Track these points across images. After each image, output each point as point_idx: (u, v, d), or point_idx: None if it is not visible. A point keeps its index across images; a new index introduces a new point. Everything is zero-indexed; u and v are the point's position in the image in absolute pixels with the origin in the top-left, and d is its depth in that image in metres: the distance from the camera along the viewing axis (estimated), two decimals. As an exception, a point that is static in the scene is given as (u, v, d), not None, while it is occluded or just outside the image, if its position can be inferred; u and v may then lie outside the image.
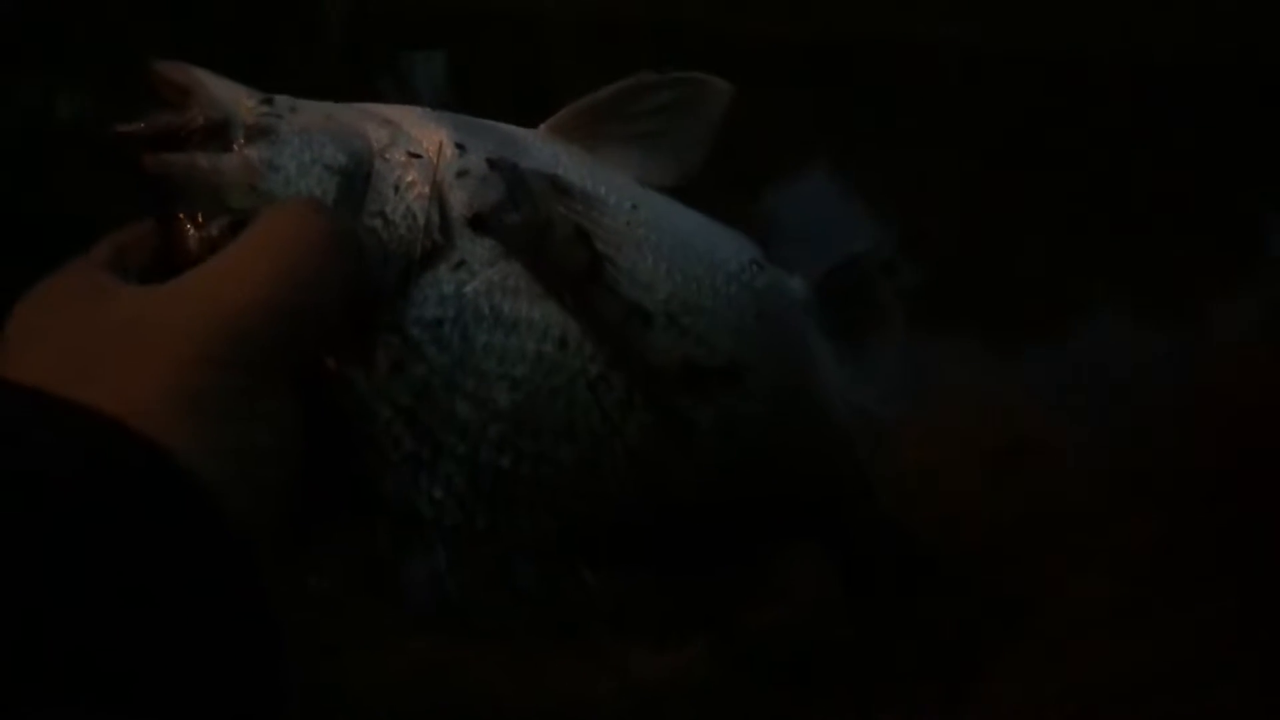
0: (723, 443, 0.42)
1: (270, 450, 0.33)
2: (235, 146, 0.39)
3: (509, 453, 0.38)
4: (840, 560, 0.52)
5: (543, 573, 0.39)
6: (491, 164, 0.40)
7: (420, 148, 0.40)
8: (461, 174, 0.40)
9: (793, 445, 0.45)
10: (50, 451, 0.28)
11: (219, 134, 0.39)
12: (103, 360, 0.32)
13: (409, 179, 0.39)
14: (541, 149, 0.43)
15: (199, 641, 0.29)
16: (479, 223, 0.39)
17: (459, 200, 0.39)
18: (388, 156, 0.40)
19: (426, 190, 0.39)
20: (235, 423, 0.32)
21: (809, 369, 0.47)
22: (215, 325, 0.32)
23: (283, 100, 0.41)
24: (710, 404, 0.41)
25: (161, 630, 0.28)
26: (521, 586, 0.39)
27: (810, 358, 0.47)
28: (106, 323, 0.33)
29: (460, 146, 0.41)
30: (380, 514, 0.38)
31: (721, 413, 0.42)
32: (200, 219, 0.38)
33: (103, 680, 0.26)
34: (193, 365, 0.32)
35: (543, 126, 0.45)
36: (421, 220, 0.39)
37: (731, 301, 0.43)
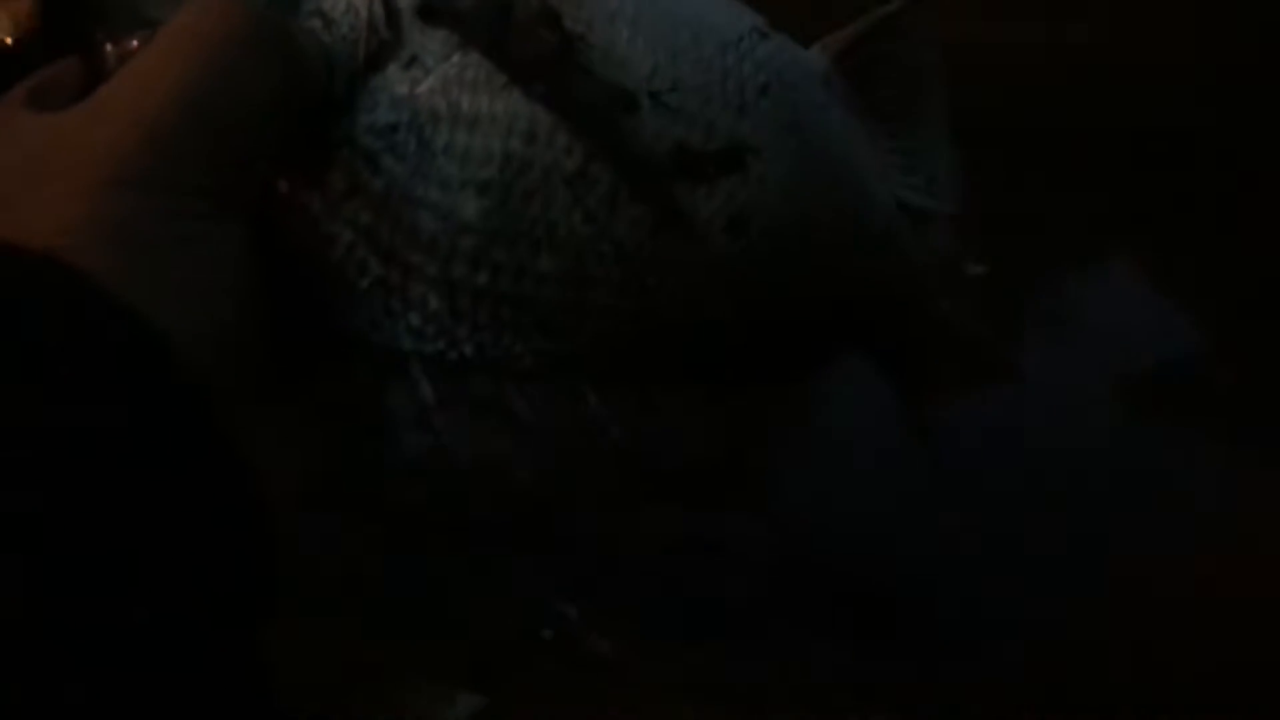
0: (732, 237, 0.37)
1: (212, 280, 0.30)
2: None
3: (485, 267, 0.34)
4: (897, 371, 0.47)
5: (540, 397, 0.35)
6: None
7: None
8: None
9: (821, 239, 0.40)
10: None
11: None
12: (16, 193, 0.29)
13: None
14: None
15: (158, 497, 0.26)
16: (429, 11, 0.35)
17: None
18: None
19: None
20: (164, 250, 0.29)
21: (834, 152, 0.41)
22: (128, 142, 0.29)
23: None
24: (712, 192, 0.37)
25: (114, 492, 0.25)
26: (517, 414, 0.35)
27: (834, 138, 0.41)
28: (19, 154, 0.30)
29: None
30: (355, 349, 0.35)
31: (727, 202, 0.37)
32: (118, 35, 0.34)
33: (58, 555, 0.23)
34: (109, 188, 0.28)
35: None
36: (365, 15, 0.34)
37: (728, 74, 0.38)
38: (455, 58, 0.34)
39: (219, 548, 0.27)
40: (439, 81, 0.34)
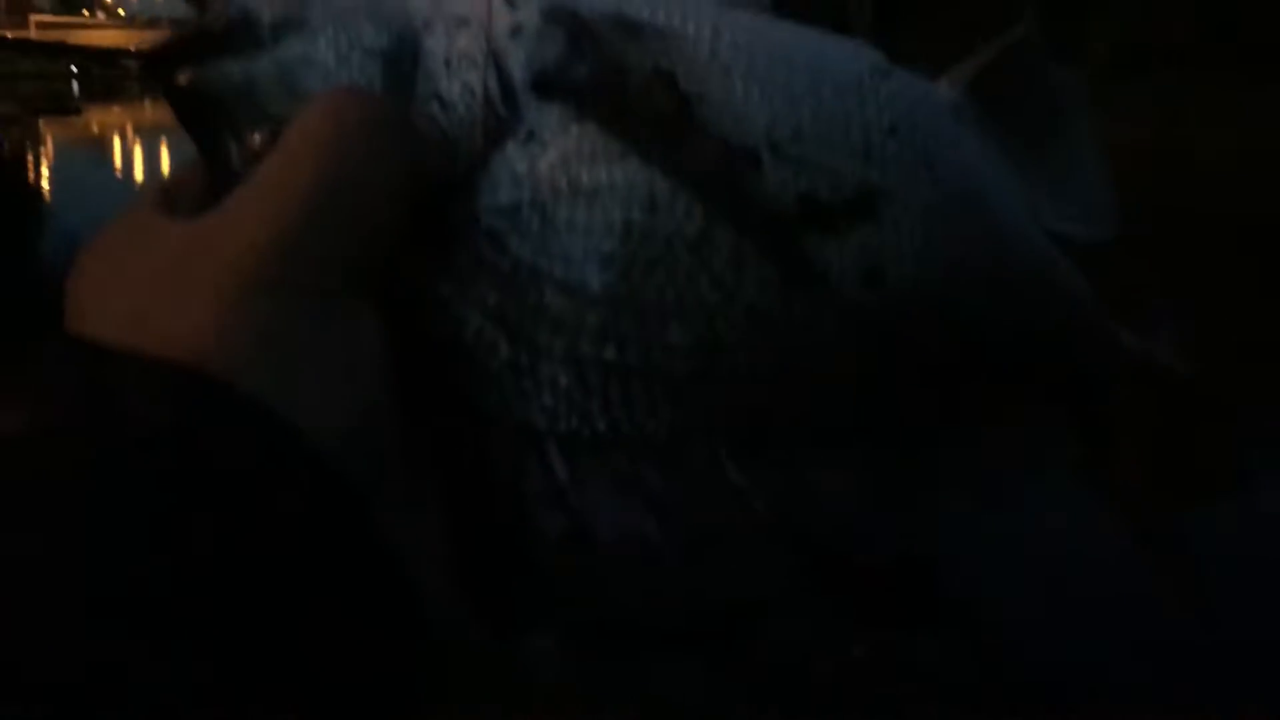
0: (869, 288, 0.35)
1: (353, 378, 0.30)
2: (265, 46, 0.35)
3: (613, 342, 0.33)
4: (1077, 411, 0.44)
5: (676, 473, 0.34)
6: (546, 14, 0.35)
7: (466, 10, 0.35)
8: (515, 32, 0.35)
9: (967, 281, 0.38)
10: (144, 419, 0.27)
11: (246, 36, 0.35)
12: (160, 306, 0.30)
13: (460, 49, 0.34)
14: None
15: (321, 599, 0.27)
16: (543, 85, 0.34)
17: (517, 63, 0.34)
18: (433, 28, 0.35)
19: (480, 59, 0.34)
20: (305, 353, 0.30)
21: (972, 188, 0.39)
22: (263, 248, 0.30)
23: None
24: (844, 243, 0.35)
25: (279, 592, 0.26)
26: (656, 490, 0.34)
27: (971, 174, 0.39)
28: (159, 265, 0.31)
29: (509, 1, 0.35)
30: (490, 430, 0.34)
31: (860, 252, 0.35)
32: (241, 132, 0.34)
33: (219, 652, 0.25)
34: (247, 296, 0.29)
35: None
36: (480, 95, 0.34)
37: (851, 118, 0.36)
38: (573, 130, 0.34)
39: (374, 641, 0.28)
40: (558, 156, 0.34)
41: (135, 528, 0.25)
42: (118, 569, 0.24)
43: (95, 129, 29.78)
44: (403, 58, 0.34)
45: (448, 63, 0.34)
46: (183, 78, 0.35)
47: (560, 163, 0.33)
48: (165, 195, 0.35)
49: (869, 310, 0.36)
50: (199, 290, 0.29)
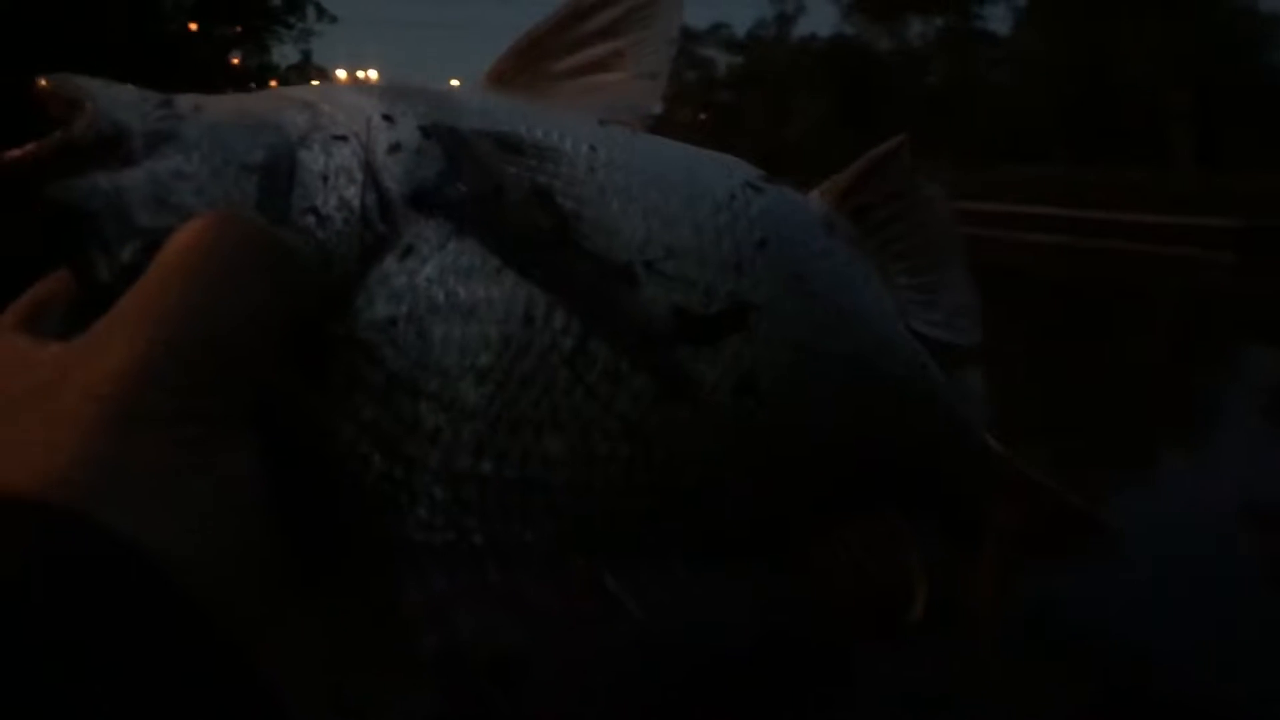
0: (740, 400, 0.36)
1: (220, 502, 0.29)
2: (137, 159, 0.34)
3: (490, 455, 0.33)
4: (941, 519, 0.45)
5: (554, 584, 0.34)
6: (426, 131, 0.35)
7: (344, 127, 0.35)
8: (394, 149, 0.35)
9: (839, 389, 0.39)
10: (12, 563, 0.25)
11: (116, 147, 0.33)
12: (22, 438, 0.28)
13: (337, 165, 0.34)
14: (479, 104, 0.38)
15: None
16: (422, 201, 0.34)
17: (395, 179, 0.34)
18: (309, 143, 0.35)
19: (359, 175, 0.34)
20: (184, 483, 0.28)
21: (842, 298, 0.40)
22: (128, 378, 0.28)
23: (184, 100, 0.36)
24: (717, 355, 0.36)
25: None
26: (535, 605, 0.34)
27: (841, 284, 0.40)
28: (22, 393, 0.29)
29: (388, 118, 0.36)
30: (366, 544, 0.33)
31: (733, 363, 0.36)
32: (110, 247, 0.33)
33: None
34: (110, 428, 0.28)
35: (480, 77, 0.40)
36: (358, 208, 0.34)
37: (722, 234, 0.37)
38: (450, 245, 0.34)
39: None
40: (435, 270, 0.33)
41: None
42: None
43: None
44: (278, 172, 0.34)
45: (324, 178, 0.34)
46: (49, 190, 0.33)
47: (438, 277, 0.33)
48: (29, 313, 0.34)
49: (742, 421, 0.36)
50: (59, 419, 0.28)
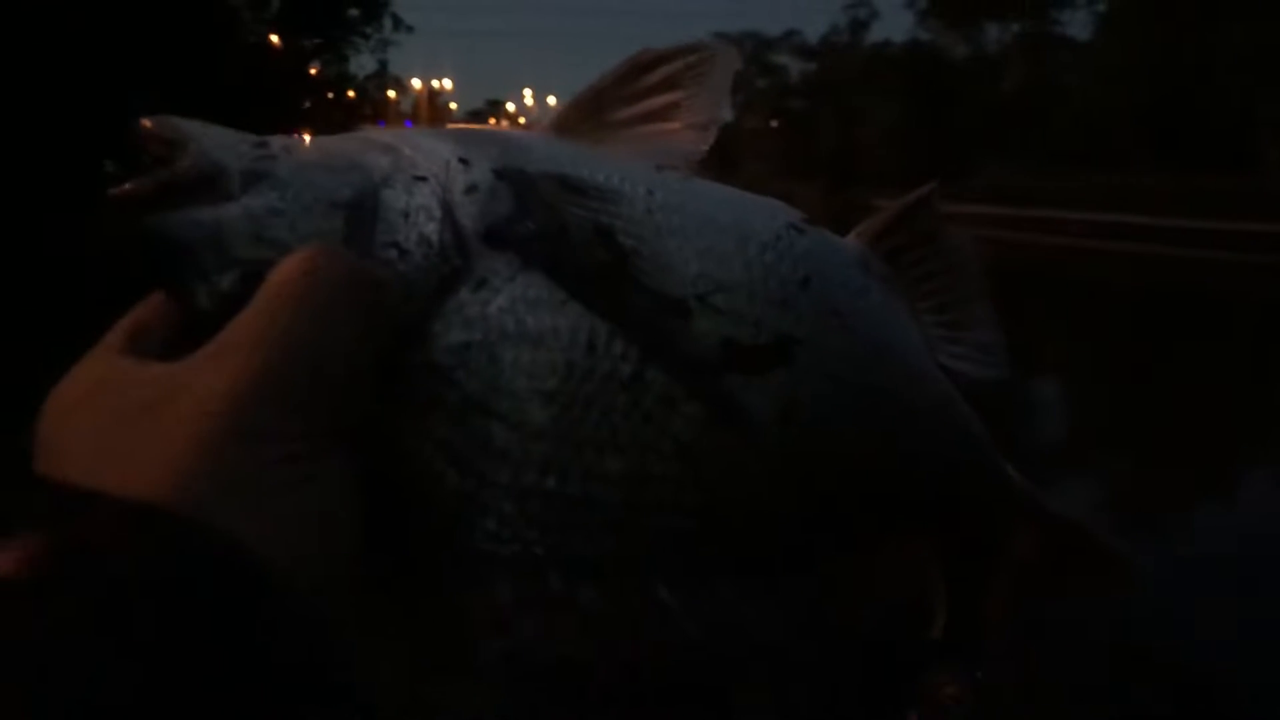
0: (786, 427, 0.38)
1: (321, 513, 0.32)
2: (234, 196, 0.37)
3: (554, 473, 0.36)
4: (976, 547, 0.47)
5: (611, 595, 0.36)
6: (498, 174, 0.38)
7: (423, 169, 0.38)
8: (469, 189, 0.38)
9: (875, 419, 0.41)
10: (131, 567, 0.28)
11: (215, 184, 0.37)
12: (140, 452, 0.31)
13: (417, 203, 0.37)
14: (547, 149, 0.41)
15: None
16: (494, 237, 0.37)
17: (470, 217, 0.37)
18: (392, 183, 0.38)
19: (437, 213, 0.37)
20: (286, 496, 0.31)
21: (878, 332, 0.43)
22: (245, 397, 0.31)
23: (277, 141, 0.39)
24: (762, 386, 0.38)
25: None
26: (592, 614, 0.36)
27: (877, 320, 0.43)
28: (135, 409, 0.32)
29: (464, 161, 0.39)
30: (438, 558, 0.36)
31: (778, 394, 0.38)
32: (209, 276, 0.36)
33: None
34: (222, 442, 0.30)
35: (546, 125, 0.43)
36: (437, 244, 0.37)
37: (769, 272, 0.40)
38: (520, 278, 0.37)
39: None
40: (506, 301, 0.36)
41: (113, 676, 0.26)
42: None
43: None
44: (363, 209, 0.37)
45: (406, 215, 0.37)
46: (154, 222, 0.36)
47: (509, 307, 0.36)
48: (132, 335, 0.36)
49: (785, 447, 0.38)
50: (174, 433, 0.30)
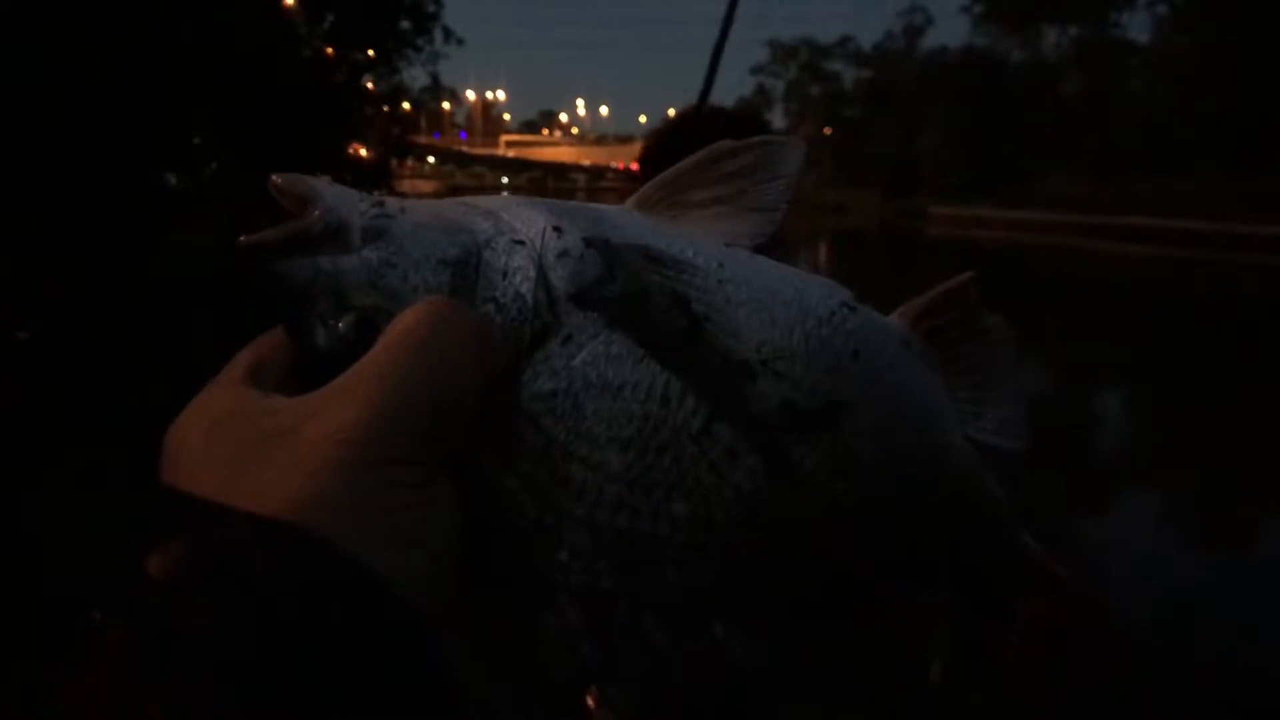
0: (833, 483, 0.42)
1: (439, 536, 0.35)
2: (354, 248, 0.40)
3: (625, 511, 0.39)
4: (988, 606, 0.51)
5: (671, 628, 0.39)
6: (588, 242, 0.42)
7: (522, 234, 0.42)
8: (561, 255, 0.42)
9: (910, 482, 0.45)
10: (265, 568, 0.31)
11: (338, 237, 0.40)
12: (273, 473, 0.33)
13: (515, 264, 0.41)
14: (630, 222, 0.45)
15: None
16: (582, 298, 0.41)
17: (561, 279, 0.41)
18: (494, 245, 0.42)
19: (532, 273, 0.41)
20: (405, 516, 0.34)
21: (916, 404, 0.46)
22: (374, 427, 0.34)
23: (393, 202, 0.43)
24: (815, 445, 0.42)
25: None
26: (653, 643, 0.39)
27: (916, 392, 0.47)
28: (269, 434, 0.35)
29: (558, 229, 0.42)
30: (514, 583, 0.39)
31: (828, 452, 0.42)
32: (328, 319, 0.39)
33: None
34: (359, 468, 0.33)
35: (629, 201, 0.47)
36: (530, 302, 0.40)
37: (824, 344, 0.44)
38: (603, 335, 0.40)
39: None
40: (590, 355, 0.40)
41: (256, 676, 0.29)
42: (245, 709, 0.28)
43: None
44: (468, 267, 0.41)
45: (504, 274, 0.41)
46: (280, 268, 0.40)
47: (592, 361, 0.40)
48: (251, 370, 0.40)
49: (833, 503, 0.42)
50: (308, 456, 0.33)
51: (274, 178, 0.41)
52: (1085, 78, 39.27)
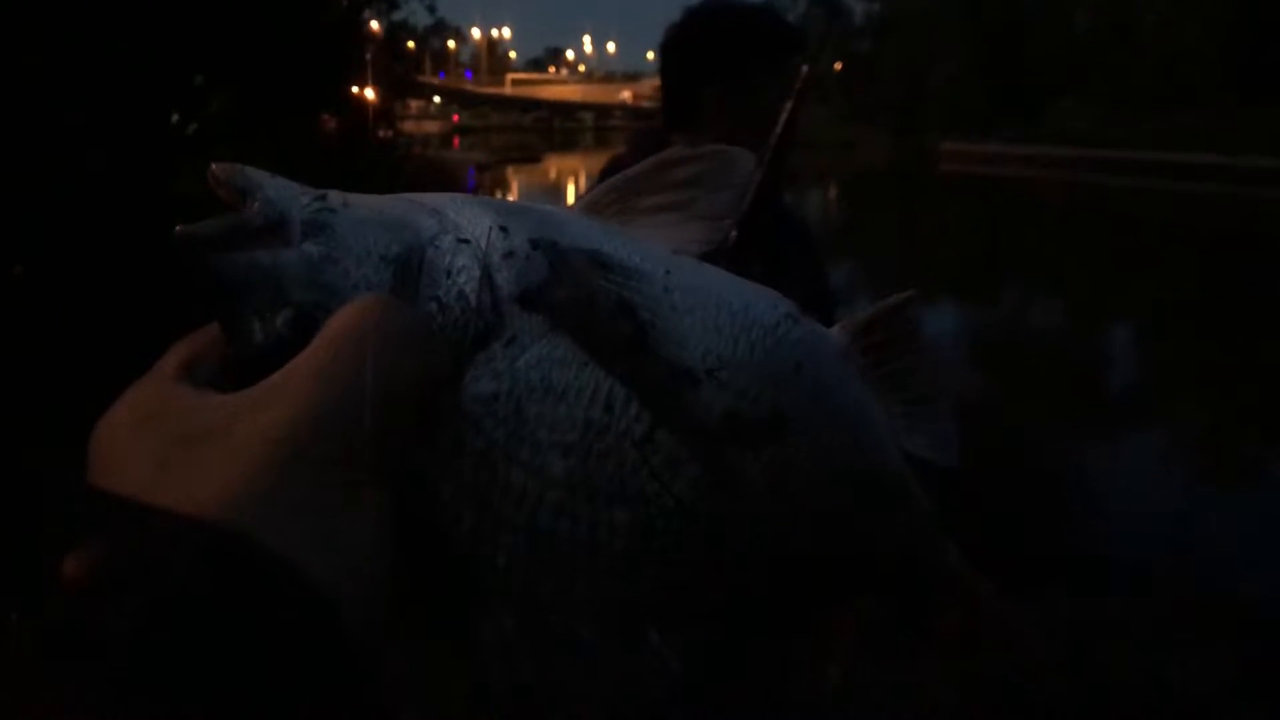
0: (774, 495, 0.42)
1: (374, 542, 0.34)
2: (294, 242, 0.40)
3: (566, 518, 0.39)
4: (909, 615, 0.52)
5: (607, 635, 0.39)
6: (534, 244, 0.41)
7: (467, 233, 0.41)
8: (507, 255, 0.41)
9: (847, 495, 0.45)
10: (189, 570, 0.30)
11: (277, 231, 0.40)
12: (201, 471, 0.32)
13: (459, 264, 0.40)
14: (578, 225, 0.44)
15: None
16: (527, 300, 0.40)
17: (506, 280, 0.40)
18: (438, 243, 0.41)
19: (477, 273, 0.40)
20: (338, 519, 0.33)
21: (855, 418, 0.47)
22: (307, 426, 0.33)
23: (335, 196, 0.42)
24: (757, 455, 0.42)
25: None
26: (587, 650, 0.39)
27: (855, 406, 0.47)
28: (197, 433, 0.34)
29: (504, 229, 0.42)
30: (449, 588, 0.39)
31: (769, 463, 0.42)
32: (264, 314, 0.38)
33: None
34: (291, 467, 0.32)
35: (578, 203, 0.47)
36: (474, 302, 0.40)
37: (769, 354, 0.43)
38: (547, 339, 0.40)
39: None
40: (534, 358, 0.39)
41: (170, 680, 0.28)
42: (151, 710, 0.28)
43: (553, 174, 32.00)
44: (411, 264, 0.40)
45: (448, 273, 0.40)
46: (216, 260, 0.38)
47: (535, 364, 0.39)
48: (183, 366, 0.39)
49: (772, 514, 0.42)
50: (237, 455, 0.32)
51: (213, 167, 0.40)
52: (1097, 11, 38.50)
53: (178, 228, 0.38)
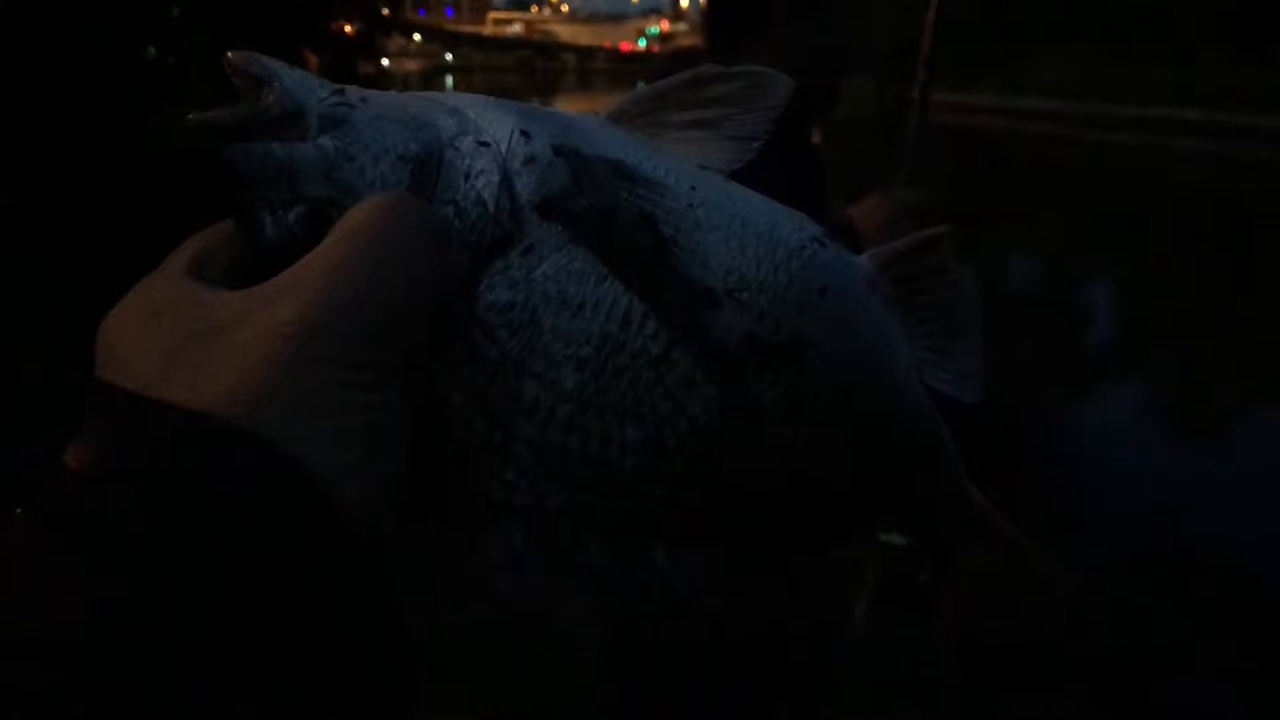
0: (790, 420, 0.42)
1: (384, 440, 0.34)
2: (309, 136, 0.38)
3: (577, 433, 0.38)
4: (925, 545, 0.52)
5: (614, 553, 0.39)
6: (557, 150, 0.40)
7: (488, 135, 0.40)
8: (528, 161, 0.40)
9: (864, 423, 0.45)
10: (196, 462, 0.29)
11: (293, 124, 0.38)
12: (211, 365, 0.32)
13: (478, 167, 0.39)
14: (603, 134, 0.43)
15: (328, 639, 0.30)
16: (547, 208, 0.39)
17: (526, 186, 0.39)
18: (457, 145, 0.40)
19: (496, 178, 0.39)
20: (351, 418, 0.33)
21: (878, 347, 0.46)
22: (320, 322, 0.32)
23: (354, 91, 0.41)
24: (774, 380, 0.41)
25: (293, 628, 0.29)
26: (594, 566, 0.39)
27: (879, 336, 0.46)
28: (208, 328, 0.33)
29: (525, 134, 0.40)
30: (458, 498, 0.38)
31: (787, 389, 0.41)
32: (277, 209, 0.37)
33: (237, 675, 0.28)
34: (303, 363, 0.32)
35: (604, 113, 0.45)
36: (492, 208, 0.39)
37: (793, 278, 0.42)
38: (566, 249, 0.39)
39: (372, 669, 0.31)
40: (551, 269, 0.38)
41: (171, 566, 0.28)
42: (152, 601, 0.27)
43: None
44: (429, 165, 0.39)
45: (467, 175, 0.39)
46: (231, 151, 0.37)
47: (553, 275, 0.38)
48: (195, 261, 0.38)
49: (788, 438, 0.42)
50: (247, 351, 0.32)
51: (229, 54, 0.38)
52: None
53: (191, 115, 0.37)
